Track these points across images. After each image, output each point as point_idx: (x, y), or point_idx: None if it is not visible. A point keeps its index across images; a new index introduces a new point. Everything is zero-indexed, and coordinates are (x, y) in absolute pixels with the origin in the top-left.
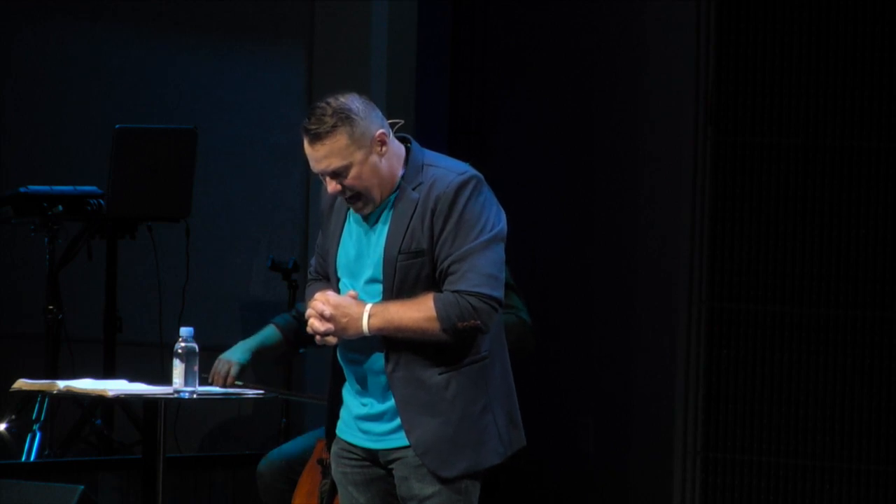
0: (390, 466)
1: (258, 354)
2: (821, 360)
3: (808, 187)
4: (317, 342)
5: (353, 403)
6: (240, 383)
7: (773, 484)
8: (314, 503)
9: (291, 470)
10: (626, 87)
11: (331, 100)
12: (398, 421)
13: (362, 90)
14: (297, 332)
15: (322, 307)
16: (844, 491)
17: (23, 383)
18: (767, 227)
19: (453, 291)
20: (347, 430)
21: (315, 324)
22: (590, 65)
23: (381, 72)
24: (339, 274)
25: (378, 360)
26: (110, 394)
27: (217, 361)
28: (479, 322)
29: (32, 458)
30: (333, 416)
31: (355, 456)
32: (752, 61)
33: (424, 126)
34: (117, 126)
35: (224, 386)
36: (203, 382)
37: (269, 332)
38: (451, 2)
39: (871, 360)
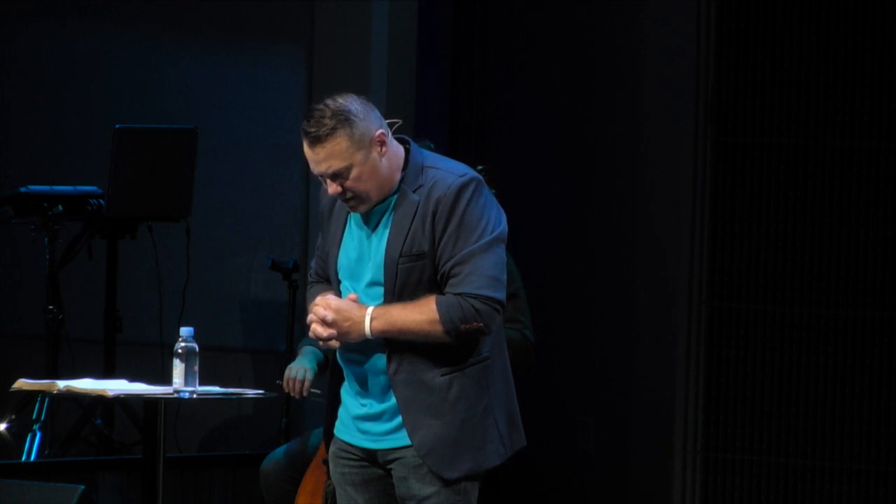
0: (389, 466)
1: (321, 365)
2: (821, 359)
3: (808, 187)
4: (320, 346)
5: (352, 404)
6: (316, 391)
7: (773, 484)
8: (318, 503)
9: (296, 469)
10: (626, 86)
11: (329, 101)
12: (397, 421)
13: (362, 90)
14: None
15: (324, 312)
16: (844, 491)
17: (23, 383)
18: (767, 227)
19: (456, 294)
20: (346, 430)
21: (317, 329)
22: (590, 65)
23: (381, 72)
24: (340, 276)
25: (379, 360)
26: (110, 394)
27: (289, 369)
28: (481, 324)
29: (33, 457)
30: (333, 416)
31: (354, 456)
32: (752, 61)
33: (424, 126)
34: (118, 126)
35: (300, 393)
36: (279, 390)
37: (316, 352)
38: (452, 2)
39: (871, 360)
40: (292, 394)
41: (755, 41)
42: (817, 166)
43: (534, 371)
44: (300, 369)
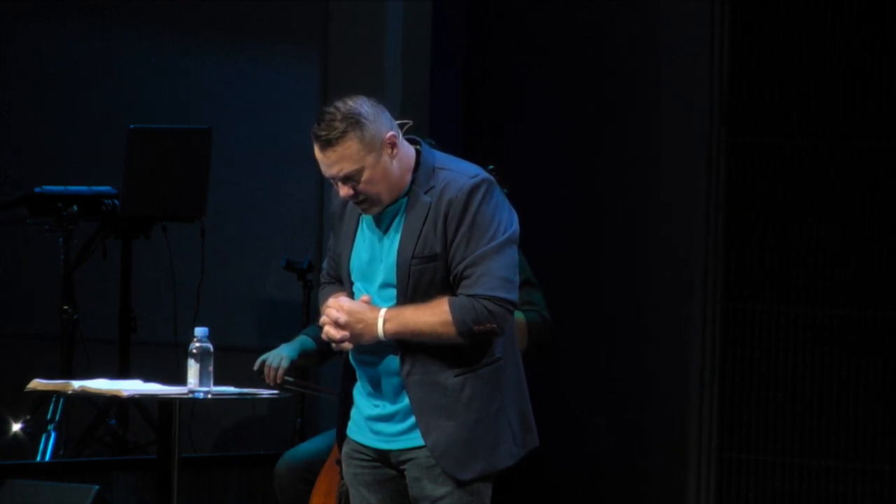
0: (402, 467)
1: (301, 356)
2: (836, 360)
3: (823, 187)
4: (333, 348)
5: (365, 404)
6: (290, 379)
7: (787, 484)
8: (332, 503)
9: (310, 470)
10: (640, 87)
11: (339, 104)
12: (410, 421)
13: (377, 91)
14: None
15: (336, 314)
16: (860, 491)
17: (38, 383)
18: (782, 228)
19: (469, 295)
20: (358, 430)
21: (331, 331)
22: (603, 65)
23: (395, 72)
24: (353, 278)
25: (392, 361)
26: (125, 394)
27: (267, 356)
28: (494, 325)
29: (47, 458)
30: (346, 417)
31: (366, 457)
32: (765, 61)
33: (438, 126)
34: (132, 126)
35: (274, 380)
36: (258, 374)
37: (305, 340)
38: (465, 3)
39: (885, 360)
40: (267, 381)
41: (769, 41)
42: (832, 166)
43: (548, 349)
44: (276, 357)
